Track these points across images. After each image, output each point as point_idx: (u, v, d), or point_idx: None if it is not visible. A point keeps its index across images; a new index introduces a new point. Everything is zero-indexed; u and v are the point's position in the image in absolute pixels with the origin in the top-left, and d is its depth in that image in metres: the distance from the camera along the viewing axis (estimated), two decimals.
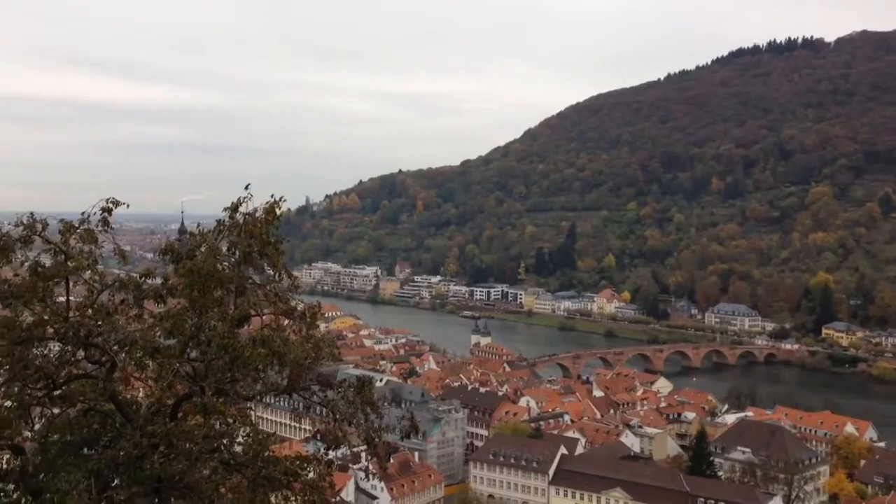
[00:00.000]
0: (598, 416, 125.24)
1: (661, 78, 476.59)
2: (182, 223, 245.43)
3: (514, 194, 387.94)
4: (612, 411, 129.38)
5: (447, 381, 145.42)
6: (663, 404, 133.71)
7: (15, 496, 11.05)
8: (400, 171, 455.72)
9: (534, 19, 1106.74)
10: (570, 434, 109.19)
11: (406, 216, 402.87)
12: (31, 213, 10.91)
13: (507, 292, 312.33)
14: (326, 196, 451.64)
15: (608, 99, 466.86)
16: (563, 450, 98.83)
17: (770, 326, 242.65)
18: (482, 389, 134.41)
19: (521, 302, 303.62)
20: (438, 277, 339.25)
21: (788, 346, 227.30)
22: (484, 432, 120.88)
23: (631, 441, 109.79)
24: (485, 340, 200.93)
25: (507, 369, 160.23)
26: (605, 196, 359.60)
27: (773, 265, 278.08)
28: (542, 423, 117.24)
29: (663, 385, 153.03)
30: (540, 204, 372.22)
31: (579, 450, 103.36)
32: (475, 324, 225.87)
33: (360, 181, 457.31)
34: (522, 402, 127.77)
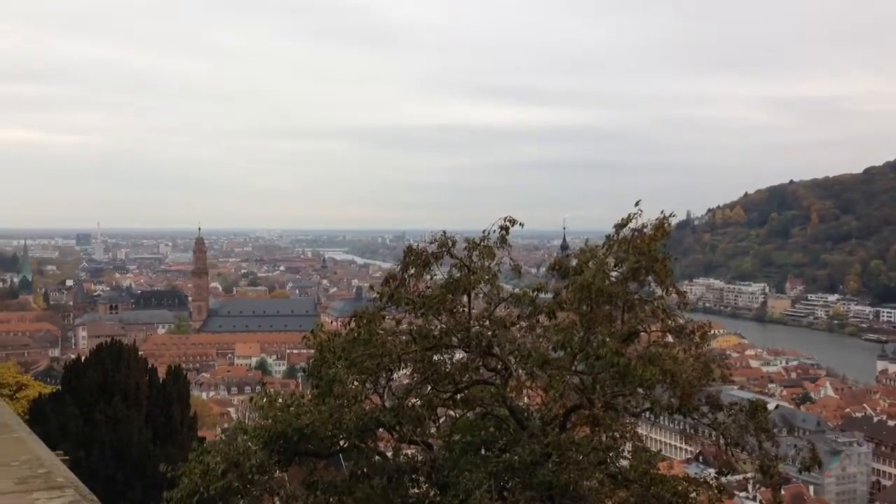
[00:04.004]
0: None
1: None
2: (564, 239, 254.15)
3: None
4: None
5: (847, 410, 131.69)
6: None
7: (425, 487, 12.23)
8: (791, 181, 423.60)
9: None
10: None
11: (798, 229, 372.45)
12: (444, 232, 12.03)
13: None
14: (709, 210, 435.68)
15: None
16: None
17: None
18: (891, 423, 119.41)
19: None
20: (836, 296, 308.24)
21: None
22: (893, 471, 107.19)
23: None
24: (894, 368, 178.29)
25: None
26: None
27: None
28: None
29: None
30: None
31: None
32: (882, 348, 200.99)
33: (746, 193, 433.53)
34: None
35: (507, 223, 11.83)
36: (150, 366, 34.52)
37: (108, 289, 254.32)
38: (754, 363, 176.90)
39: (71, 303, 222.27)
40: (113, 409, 30.09)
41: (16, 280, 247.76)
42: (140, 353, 36.76)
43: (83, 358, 35.69)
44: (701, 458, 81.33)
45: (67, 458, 6.42)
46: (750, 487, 76.53)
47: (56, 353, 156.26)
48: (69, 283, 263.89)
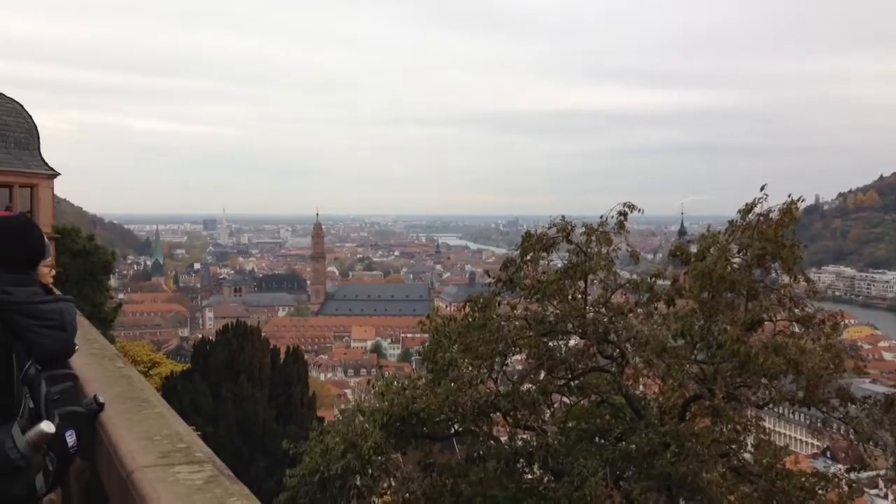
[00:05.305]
0: None
1: None
2: (682, 225, 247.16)
3: None
4: None
5: None
6: None
7: (539, 472, 12.21)
8: None
9: None
10: None
11: None
12: (563, 216, 11.91)
13: None
14: (840, 194, 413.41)
15: None
16: None
17: None
18: None
19: None
20: None
21: None
22: None
23: None
24: None
25: None
26: None
27: None
28: None
29: None
30: None
31: None
32: None
33: (881, 176, 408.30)
34: None
35: (626, 209, 11.60)
36: (271, 347, 35.86)
37: (232, 272, 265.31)
38: (888, 356, 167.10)
39: (198, 285, 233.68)
40: (239, 388, 31.51)
41: (149, 263, 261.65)
42: (262, 334, 38.24)
43: (211, 338, 37.42)
44: (828, 453, 77.67)
45: (199, 432, 6.74)
46: (881, 484, 72.65)
47: (185, 332, 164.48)
48: (197, 266, 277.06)
